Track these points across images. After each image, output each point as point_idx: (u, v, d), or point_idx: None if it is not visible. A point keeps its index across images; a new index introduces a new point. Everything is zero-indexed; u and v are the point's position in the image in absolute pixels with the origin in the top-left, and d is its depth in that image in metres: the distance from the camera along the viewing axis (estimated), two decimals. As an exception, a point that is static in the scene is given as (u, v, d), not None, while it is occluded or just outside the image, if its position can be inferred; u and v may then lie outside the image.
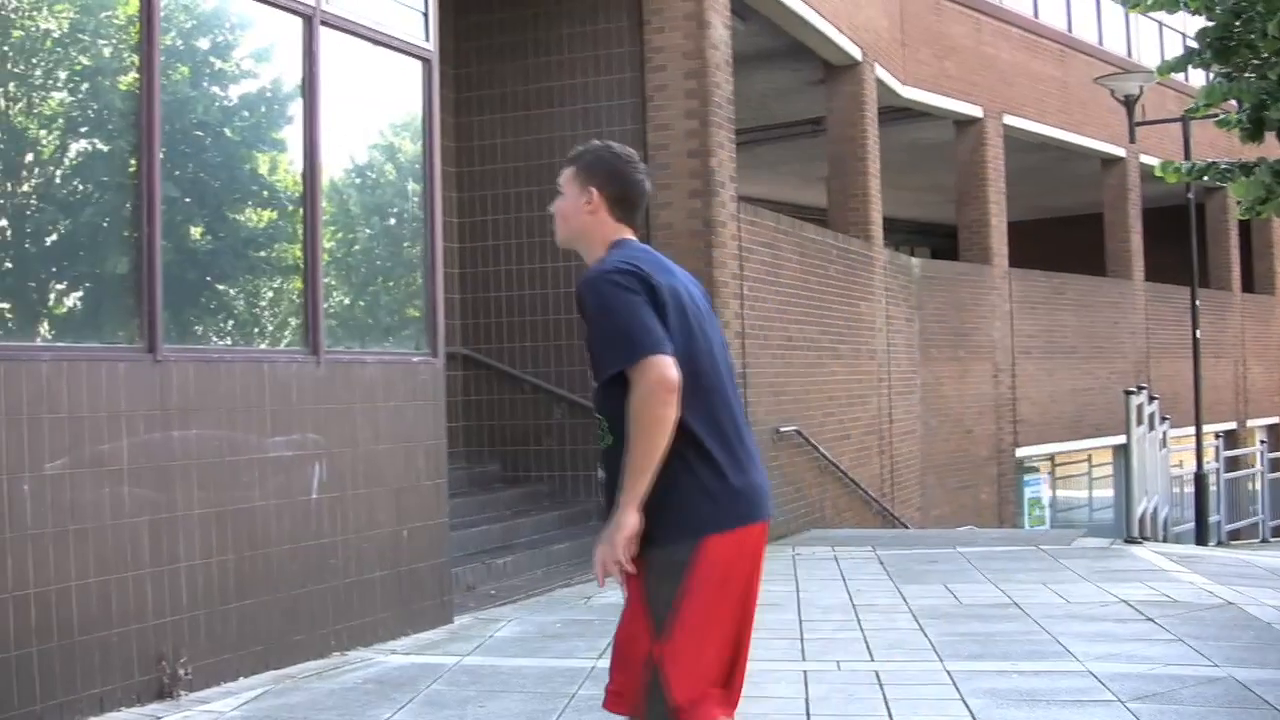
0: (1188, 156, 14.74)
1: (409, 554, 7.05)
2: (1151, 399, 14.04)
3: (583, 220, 3.36)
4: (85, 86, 5.61)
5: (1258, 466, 22.64)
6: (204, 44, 6.26)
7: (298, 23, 6.54)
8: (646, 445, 3.04)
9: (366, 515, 6.75)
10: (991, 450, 17.82)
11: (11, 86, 5.31)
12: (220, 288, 6.32)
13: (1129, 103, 16.20)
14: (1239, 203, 8.26)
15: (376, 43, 7.11)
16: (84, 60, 5.61)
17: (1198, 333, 17.12)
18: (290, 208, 6.58)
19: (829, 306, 13.04)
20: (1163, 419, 14.98)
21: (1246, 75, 7.52)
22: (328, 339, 6.64)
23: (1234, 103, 7.82)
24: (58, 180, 5.56)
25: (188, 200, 6.06)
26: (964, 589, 8.25)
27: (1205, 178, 8.42)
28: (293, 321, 6.63)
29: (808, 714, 5.29)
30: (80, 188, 5.64)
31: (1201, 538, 16.09)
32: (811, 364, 12.54)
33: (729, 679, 3.21)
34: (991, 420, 17.83)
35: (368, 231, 7.40)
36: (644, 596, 3.14)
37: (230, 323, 6.38)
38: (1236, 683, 5.55)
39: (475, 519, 9.44)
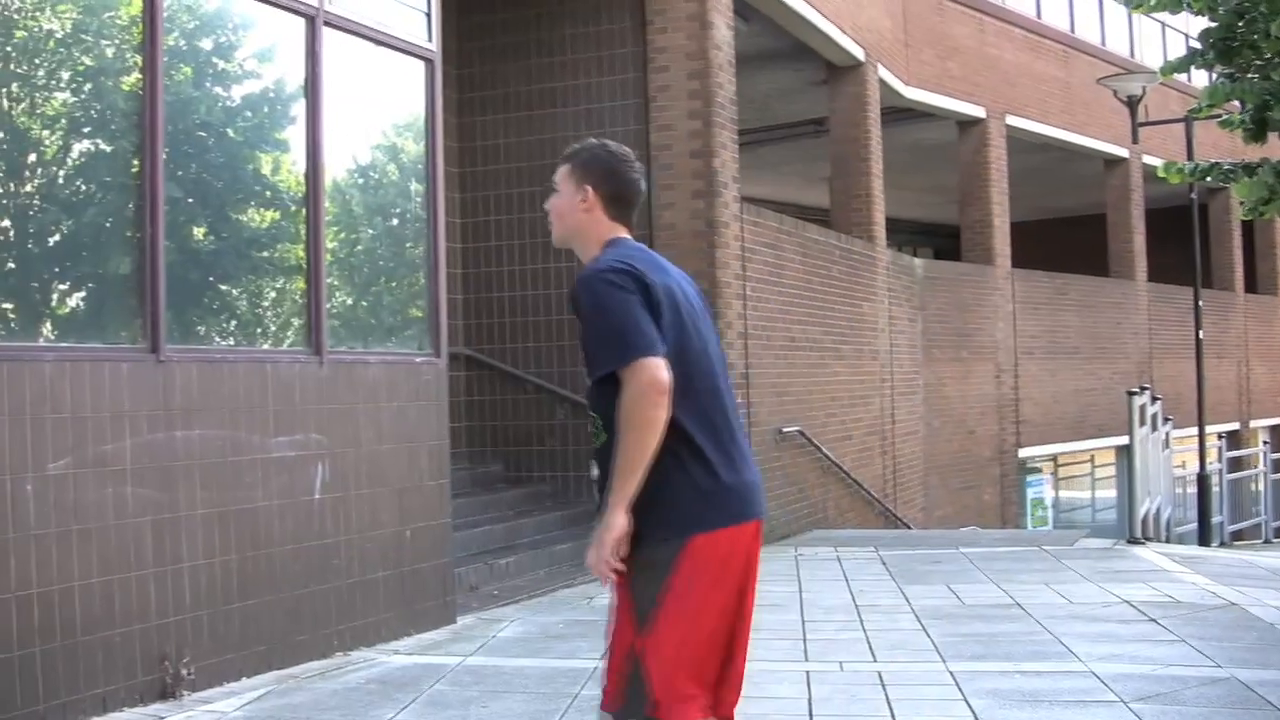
0: (1191, 157, 14.75)
1: (412, 554, 7.05)
2: (1154, 399, 14.02)
3: (578, 218, 3.36)
4: (88, 87, 5.61)
5: (1260, 467, 22.64)
6: (207, 44, 6.26)
7: (300, 23, 6.55)
8: (636, 447, 3.05)
9: (369, 515, 6.75)
10: (994, 451, 17.80)
11: (15, 87, 5.31)
12: (223, 288, 6.32)
13: (1132, 103, 16.19)
14: (1242, 203, 8.27)
15: (379, 43, 7.11)
16: (87, 61, 5.61)
17: (1200, 333, 17.12)
18: (293, 208, 6.58)
19: (832, 307, 13.03)
20: (1165, 420, 14.95)
21: (1249, 76, 7.53)
22: (330, 339, 6.64)
23: (1237, 103, 7.83)
24: (61, 180, 5.56)
25: (190, 200, 6.06)
26: (967, 589, 8.24)
27: (1208, 178, 8.42)
28: (295, 322, 6.64)
29: (810, 714, 5.29)
30: (83, 188, 5.64)
31: (1204, 538, 16.09)
32: (814, 364, 12.53)
33: (721, 679, 3.21)
34: (994, 421, 17.82)
35: (370, 232, 7.40)
36: (630, 591, 3.15)
37: (233, 323, 6.38)
38: (1239, 683, 5.55)
39: (478, 519, 9.45)
